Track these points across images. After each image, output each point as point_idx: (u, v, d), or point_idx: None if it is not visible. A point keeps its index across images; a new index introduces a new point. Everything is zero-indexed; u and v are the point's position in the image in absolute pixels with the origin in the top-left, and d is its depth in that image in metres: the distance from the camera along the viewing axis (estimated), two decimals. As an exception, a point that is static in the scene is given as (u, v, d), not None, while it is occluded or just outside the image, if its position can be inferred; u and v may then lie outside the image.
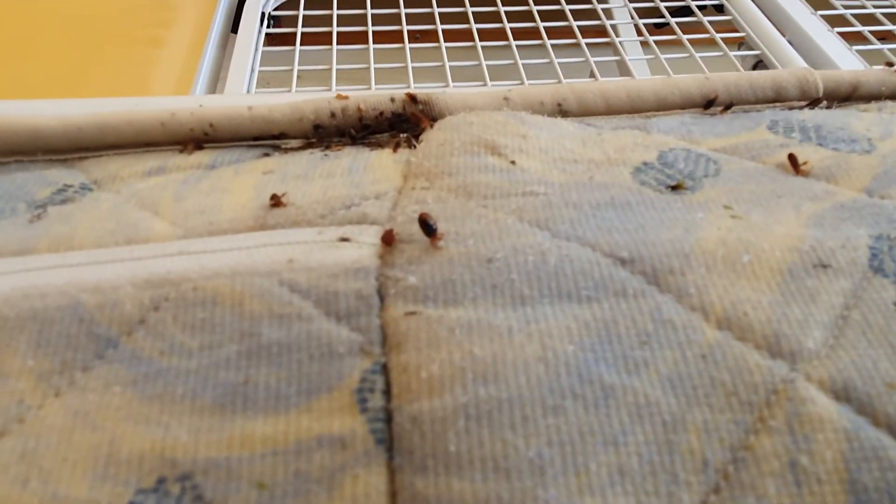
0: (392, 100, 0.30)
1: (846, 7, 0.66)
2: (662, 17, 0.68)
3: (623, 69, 0.63)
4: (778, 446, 0.16)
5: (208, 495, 0.15)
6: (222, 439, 0.16)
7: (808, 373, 0.17)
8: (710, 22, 0.63)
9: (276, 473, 0.16)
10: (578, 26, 0.63)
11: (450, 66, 0.56)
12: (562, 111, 0.31)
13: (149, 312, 0.19)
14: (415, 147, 0.28)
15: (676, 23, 0.64)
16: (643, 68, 0.70)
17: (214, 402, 0.17)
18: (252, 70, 0.65)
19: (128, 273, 0.20)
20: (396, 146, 0.28)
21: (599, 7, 0.68)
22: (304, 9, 0.67)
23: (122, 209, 0.24)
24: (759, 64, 0.64)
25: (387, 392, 0.17)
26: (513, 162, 0.25)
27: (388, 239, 0.20)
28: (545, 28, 0.62)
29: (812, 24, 0.62)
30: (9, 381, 0.18)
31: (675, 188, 0.23)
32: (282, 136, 0.30)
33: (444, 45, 0.59)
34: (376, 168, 0.26)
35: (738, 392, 0.16)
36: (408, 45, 0.58)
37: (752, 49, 0.62)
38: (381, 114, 0.30)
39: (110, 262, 0.20)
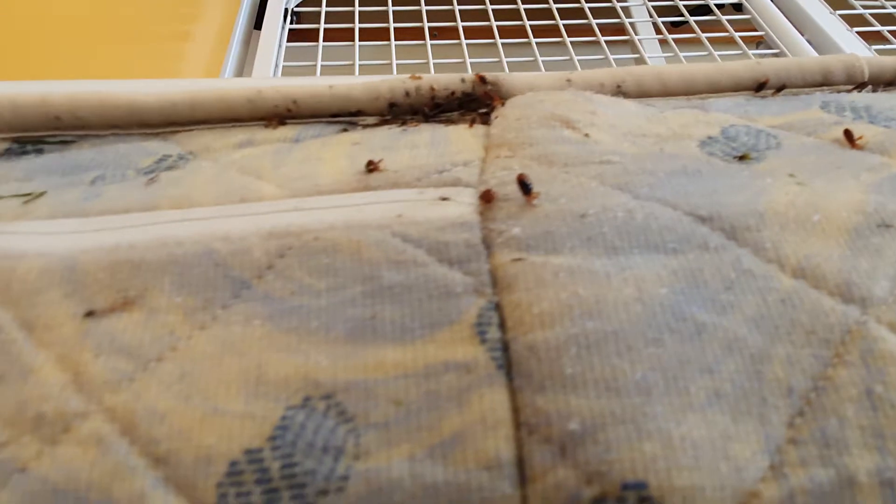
0: (462, 80, 0.32)
1: (865, 7, 0.67)
2: (679, 15, 0.70)
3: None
4: (854, 377, 0.18)
5: (351, 410, 0.17)
6: (357, 364, 0.18)
7: (878, 316, 0.19)
8: (727, 21, 0.64)
9: (410, 393, 0.18)
10: (596, 24, 0.65)
11: (470, 63, 0.57)
12: (620, 92, 0.33)
13: (275, 259, 0.21)
14: (488, 123, 0.30)
15: (694, 21, 0.65)
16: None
17: (346, 334, 0.19)
18: (276, 65, 0.67)
19: (252, 226, 0.22)
20: (472, 122, 0.30)
21: (619, 6, 0.70)
22: (326, 5, 0.69)
23: (225, 174, 0.27)
24: None
25: (501, 326, 0.19)
26: (586, 135, 0.26)
27: (488, 197, 0.22)
28: (564, 26, 0.64)
29: (831, 24, 0.63)
30: (159, 316, 0.20)
31: (741, 158, 0.25)
32: (359, 113, 0.32)
33: (464, 41, 0.61)
34: (456, 140, 0.28)
35: (816, 331, 0.18)
36: (429, 42, 0.60)
37: (769, 48, 0.63)
38: (453, 93, 0.32)
39: (232, 217, 0.23)
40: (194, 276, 0.20)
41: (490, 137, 0.27)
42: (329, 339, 0.19)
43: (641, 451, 0.16)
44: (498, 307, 0.19)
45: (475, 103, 0.32)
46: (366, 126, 0.32)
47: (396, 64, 0.59)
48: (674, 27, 0.76)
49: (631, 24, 0.71)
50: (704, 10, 0.71)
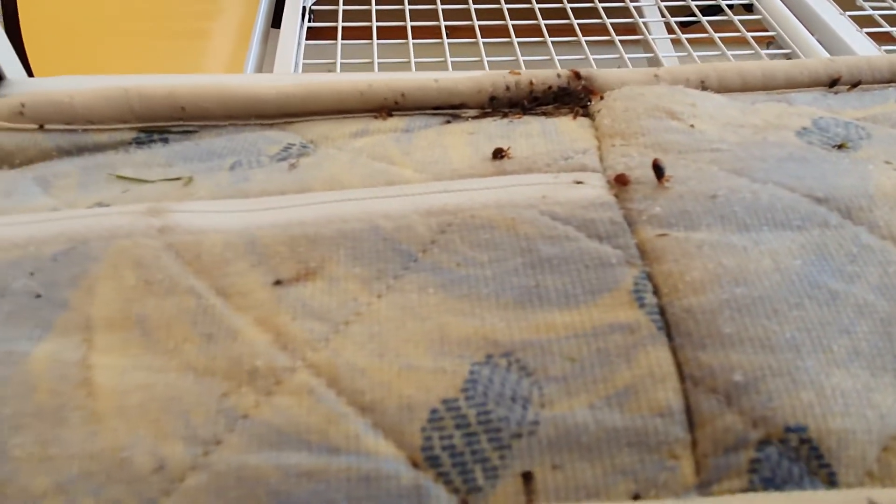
0: (558, 75, 0.34)
1: (874, 8, 0.68)
2: (690, 15, 0.71)
3: (655, 66, 0.66)
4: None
5: (531, 366, 0.20)
6: (530, 326, 0.20)
7: None
8: (738, 21, 0.65)
9: (582, 350, 0.20)
10: (590, 25, 0.66)
11: (487, 62, 0.58)
12: (704, 87, 0.35)
13: (437, 235, 0.23)
14: (588, 115, 0.32)
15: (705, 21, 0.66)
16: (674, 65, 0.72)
17: (514, 300, 0.21)
18: (297, 63, 0.69)
19: (409, 205, 0.24)
20: (575, 114, 0.32)
21: (632, 5, 0.71)
22: (343, 3, 0.70)
23: (358, 160, 0.29)
24: None
25: (655, 292, 0.21)
26: (691, 125, 0.29)
27: (623, 180, 0.24)
28: (578, 25, 0.65)
29: (841, 25, 0.63)
30: (340, 284, 0.22)
31: (839, 147, 0.27)
32: (461, 105, 0.34)
33: (480, 40, 0.62)
34: (566, 131, 0.30)
35: (935, 298, 0.21)
36: (446, 41, 0.61)
37: (780, 48, 0.64)
38: (549, 87, 0.34)
39: (387, 198, 0.25)
40: (365, 249, 0.23)
41: (601, 128, 0.29)
42: (500, 305, 0.21)
43: (799, 399, 0.18)
44: (649, 276, 0.21)
45: (568, 97, 0.35)
46: (468, 118, 0.34)
47: (415, 62, 0.60)
48: (684, 27, 0.77)
49: (644, 23, 0.72)
50: (714, 10, 0.72)
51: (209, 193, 0.26)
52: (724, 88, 0.35)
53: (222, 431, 0.19)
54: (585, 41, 0.62)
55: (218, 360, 0.20)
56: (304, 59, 0.70)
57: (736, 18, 0.65)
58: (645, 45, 0.68)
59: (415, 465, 0.18)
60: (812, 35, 0.64)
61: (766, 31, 0.67)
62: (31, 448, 0.18)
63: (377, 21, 0.66)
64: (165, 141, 0.33)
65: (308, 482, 0.18)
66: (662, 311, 0.20)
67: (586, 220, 0.23)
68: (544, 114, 0.34)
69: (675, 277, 0.21)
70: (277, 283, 0.22)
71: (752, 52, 0.61)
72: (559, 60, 0.60)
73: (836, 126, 0.29)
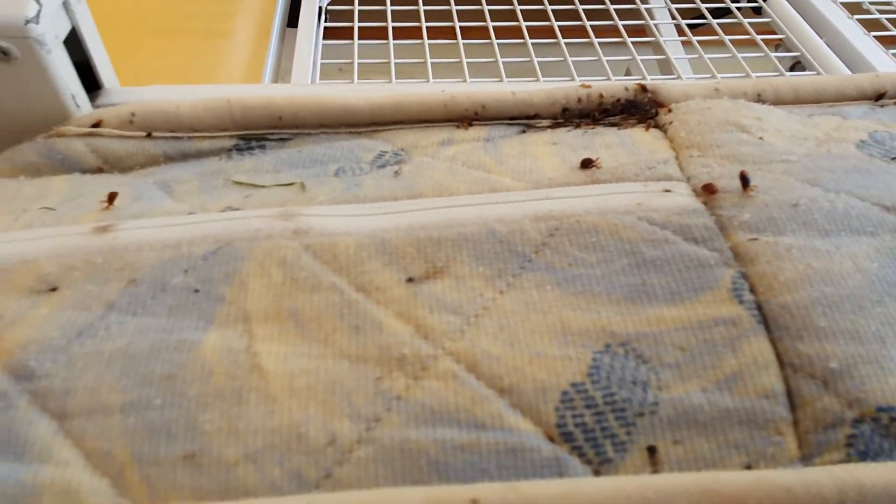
0: (626, 89, 0.37)
1: (881, 11, 0.70)
2: (698, 17, 0.72)
3: (665, 68, 0.67)
4: None
5: (646, 354, 0.22)
6: (642, 319, 0.23)
7: None
8: (746, 24, 0.67)
9: (690, 341, 0.22)
10: (601, 27, 0.67)
11: (503, 63, 0.60)
12: (760, 101, 0.38)
13: (547, 238, 0.26)
14: (658, 127, 0.35)
15: (708, 25, 0.68)
16: (685, 67, 0.73)
17: (625, 296, 0.24)
18: (315, 63, 0.70)
19: (518, 211, 0.27)
20: (647, 126, 0.35)
21: (643, 7, 0.73)
22: (359, 4, 0.72)
23: (457, 168, 0.31)
24: (797, 65, 0.67)
25: (752, 290, 0.23)
26: (760, 138, 0.31)
27: (712, 189, 0.27)
28: (591, 27, 0.67)
29: (849, 28, 0.65)
30: (466, 282, 0.25)
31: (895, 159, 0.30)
32: (535, 116, 0.37)
33: (495, 41, 0.64)
34: (642, 142, 0.33)
35: None
36: (461, 42, 0.63)
37: (788, 51, 0.65)
38: (618, 100, 0.37)
39: (496, 204, 0.27)
40: (485, 250, 0.25)
41: (676, 139, 0.32)
42: (612, 300, 0.24)
43: (888, 383, 0.21)
44: (745, 276, 0.24)
45: (635, 108, 0.37)
46: (539, 128, 0.37)
47: (430, 63, 0.61)
48: (691, 29, 0.79)
49: (655, 25, 0.74)
50: (722, 12, 0.74)
51: (328, 198, 0.29)
52: (779, 101, 0.38)
53: (381, 410, 0.21)
54: (598, 42, 0.64)
55: (368, 348, 0.23)
56: (321, 58, 0.71)
57: (746, 21, 0.66)
58: (655, 47, 0.70)
59: (551, 439, 0.21)
60: (820, 38, 0.66)
61: (774, 33, 0.68)
62: (219, 423, 0.21)
63: (393, 21, 0.68)
64: (263, 148, 0.36)
65: (463, 454, 0.20)
66: (760, 307, 0.23)
67: (682, 225, 0.25)
68: (614, 125, 0.37)
69: (770, 277, 0.23)
70: (410, 280, 0.25)
71: (762, 54, 0.63)
72: (573, 62, 0.61)
73: (891, 139, 0.32)
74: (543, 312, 0.24)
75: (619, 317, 0.23)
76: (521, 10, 0.69)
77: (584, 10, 0.70)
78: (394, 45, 0.64)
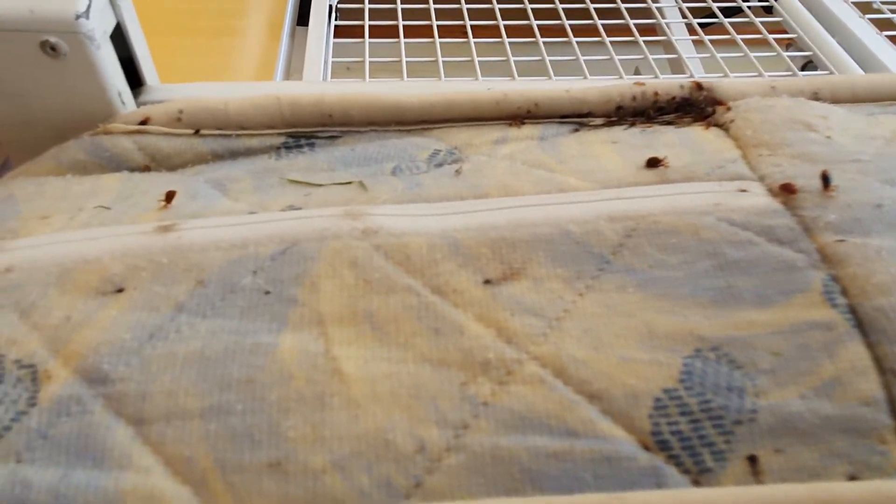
0: (681, 87, 0.36)
1: (893, 11, 0.69)
2: (708, 16, 0.71)
3: (676, 67, 0.66)
4: None
5: (739, 359, 0.22)
6: (731, 323, 0.22)
7: None
8: (755, 23, 0.66)
9: (783, 345, 0.22)
10: (613, 26, 0.67)
11: (514, 61, 0.59)
12: (817, 98, 0.37)
13: (624, 238, 0.25)
14: (718, 125, 0.34)
15: (718, 24, 0.67)
16: (697, 67, 0.70)
17: (710, 299, 0.23)
18: (326, 62, 0.70)
19: (591, 211, 0.26)
20: (707, 125, 0.34)
21: (654, 6, 0.72)
22: (369, 2, 0.71)
23: (517, 168, 0.31)
24: (808, 65, 0.67)
25: (844, 293, 0.23)
26: (828, 136, 0.31)
27: (791, 189, 0.26)
28: (602, 26, 0.66)
29: (861, 27, 0.64)
30: (544, 284, 0.24)
31: (972, 159, 0.29)
32: (588, 114, 0.36)
33: (506, 40, 0.63)
34: (703, 141, 0.32)
35: None
36: (472, 40, 0.63)
37: (799, 50, 0.64)
38: (673, 98, 0.36)
39: (565, 204, 0.27)
40: (561, 252, 0.25)
41: (742, 138, 0.31)
42: (697, 303, 0.23)
43: None
44: (835, 279, 0.23)
45: (690, 107, 0.37)
46: (592, 126, 0.36)
47: (442, 61, 0.61)
48: (702, 28, 0.78)
49: (666, 24, 0.73)
50: (732, 11, 0.73)
51: (391, 197, 0.28)
52: (835, 100, 0.37)
53: (468, 416, 0.21)
54: (610, 42, 0.63)
55: (451, 352, 0.22)
56: (332, 57, 0.70)
57: (757, 20, 0.65)
58: (666, 46, 0.69)
59: (646, 448, 0.20)
60: (832, 37, 0.65)
61: (785, 32, 0.67)
62: (303, 429, 0.20)
63: (403, 20, 0.67)
64: (312, 146, 0.35)
65: (557, 462, 0.20)
66: (853, 311, 0.22)
67: (764, 226, 0.25)
68: (668, 123, 0.36)
69: (862, 280, 0.23)
70: (487, 282, 0.24)
71: (773, 54, 0.62)
72: (585, 60, 0.61)
73: (960, 138, 0.31)
74: (627, 315, 0.23)
75: (707, 321, 0.22)
76: (532, 9, 0.68)
77: (594, 8, 0.70)
78: (403, 43, 0.63)
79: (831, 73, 0.58)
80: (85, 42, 0.33)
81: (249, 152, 0.35)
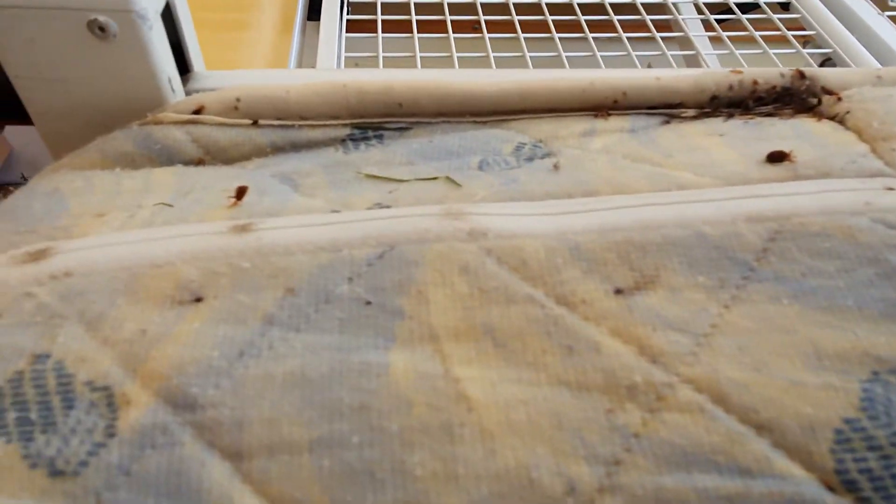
0: (782, 75, 0.33)
1: None
2: (724, 12, 0.69)
3: (693, 64, 0.64)
4: None
5: (926, 384, 0.19)
6: (910, 341, 0.19)
7: None
8: (768, 20, 0.64)
9: (976, 368, 0.19)
10: (629, 21, 0.64)
11: (530, 57, 0.57)
12: (925, 90, 0.34)
13: (768, 242, 0.22)
14: (831, 117, 0.31)
15: (732, 20, 0.65)
16: (714, 63, 0.69)
17: (881, 313, 0.20)
18: (339, 56, 0.67)
19: (725, 211, 0.23)
20: (818, 116, 0.31)
21: (670, 2, 0.70)
22: None
23: (618, 162, 0.28)
24: (827, 62, 0.64)
25: None
26: (962, 129, 0.28)
27: (950, 187, 0.23)
28: (619, 21, 0.64)
29: (879, 24, 0.62)
30: (683, 293, 0.21)
31: None
32: (680, 105, 0.33)
33: (521, 35, 0.61)
34: (822, 134, 0.29)
35: None
36: (486, 35, 0.60)
37: (818, 47, 0.62)
38: (774, 87, 0.33)
39: (692, 202, 0.24)
40: (698, 257, 0.22)
41: (867, 130, 0.28)
42: (866, 317, 0.20)
43: None
44: None
45: (790, 97, 0.34)
46: (683, 118, 0.33)
47: (457, 57, 0.58)
48: (717, 24, 0.75)
49: (678, 20, 0.71)
50: (747, 7, 0.71)
51: (488, 194, 0.25)
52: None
53: (619, 451, 0.18)
54: (627, 38, 0.60)
55: (589, 374, 0.19)
56: (345, 52, 0.68)
57: (776, 17, 0.63)
58: (681, 42, 0.67)
59: (831, 489, 0.17)
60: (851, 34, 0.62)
61: (801, 29, 0.65)
62: (433, 466, 0.17)
63: (417, 14, 0.65)
64: (380, 138, 0.32)
65: (732, 507, 0.17)
66: None
67: (927, 229, 0.22)
68: (769, 115, 0.33)
69: None
70: (618, 291, 0.21)
71: (791, 51, 0.60)
72: (602, 57, 0.58)
73: None
74: (787, 331, 0.20)
75: (882, 338, 0.19)
76: (547, 4, 0.66)
77: (610, 3, 0.67)
78: (418, 38, 0.61)
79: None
80: (137, 22, 0.30)
81: (312, 144, 0.32)
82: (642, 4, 0.67)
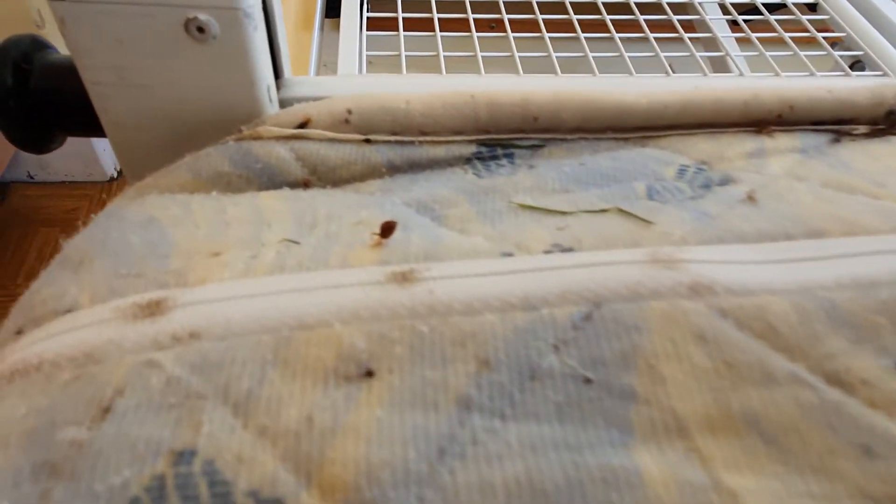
0: (970, 87, 0.29)
1: None
2: (745, 12, 0.66)
3: (719, 66, 0.61)
4: None
5: None
6: None
7: None
8: (791, 21, 0.60)
9: None
10: (653, 21, 0.61)
11: (556, 57, 0.53)
12: None
13: None
14: None
15: (755, 21, 0.61)
16: (742, 65, 0.66)
17: None
18: (361, 55, 0.64)
19: None
20: None
21: (697, 2, 0.66)
22: None
23: (821, 192, 0.23)
24: (856, 65, 0.61)
25: None
26: None
27: None
28: (645, 21, 0.60)
29: None
30: None
31: None
32: (851, 120, 0.29)
33: (546, 35, 0.57)
34: None
35: None
36: (511, 35, 0.56)
37: (848, 49, 0.59)
38: (960, 101, 0.29)
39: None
40: None
41: None
42: None
43: None
44: None
45: (977, 112, 0.29)
46: (856, 136, 0.29)
47: (481, 56, 0.55)
48: (734, 26, 0.73)
49: (702, 21, 0.68)
50: (772, 8, 0.67)
51: (687, 233, 0.21)
52: None
53: None
54: (654, 38, 0.57)
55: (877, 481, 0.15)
56: (366, 50, 0.65)
57: (804, 18, 0.60)
58: (706, 43, 0.64)
59: None
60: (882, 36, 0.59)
61: (828, 30, 0.62)
62: None
63: (437, 13, 0.61)
64: (510, 157, 0.28)
65: None
66: None
67: None
68: (952, 132, 0.28)
69: None
70: (903, 368, 0.17)
71: (824, 53, 0.56)
72: (630, 58, 0.54)
73: None
74: None
75: None
76: (571, 3, 0.63)
77: (636, 2, 0.64)
78: (429, 37, 0.57)
79: (884, 74, 0.53)
80: (243, 21, 0.25)
81: (434, 164, 0.28)
82: (668, 4, 0.63)
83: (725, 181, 0.25)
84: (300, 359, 0.17)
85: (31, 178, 1.11)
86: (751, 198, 0.23)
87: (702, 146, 0.28)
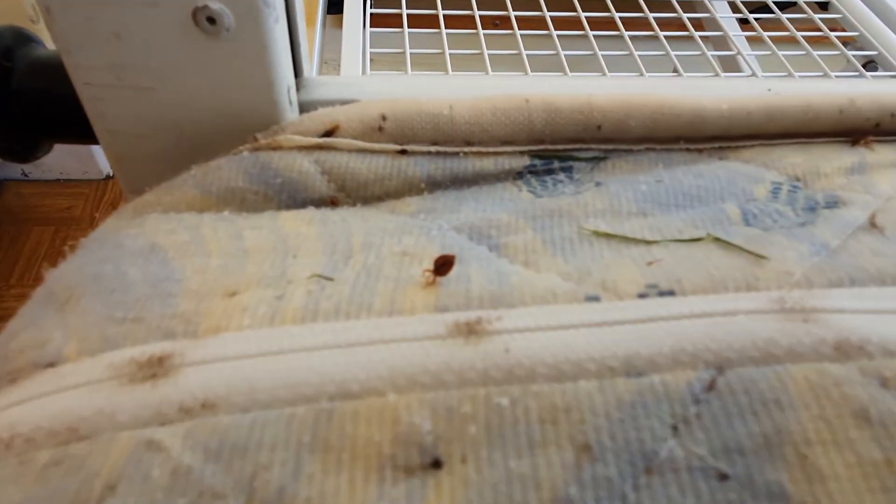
0: None
1: None
2: (755, 10, 0.63)
3: (728, 65, 0.58)
4: None
5: None
6: None
7: None
8: (801, 20, 0.57)
9: None
10: (662, 19, 0.58)
11: (564, 55, 0.50)
12: None
13: None
14: None
15: (764, 20, 0.58)
16: (753, 64, 0.64)
17: None
18: (364, 52, 0.61)
19: None
20: None
21: (707, 1, 0.64)
22: None
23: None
24: (869, 64, 0.59)
25: None
26: None
27: None
28: (655, 19, 0.57)
29: None
30: None
31: None
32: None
33: (554, 33, 0.55)
34: None
35: None
36: (518, 32, 0.54)
37: (860, 48, 0.56)
38: None
39: None
40: None
41: None
42: None
43: None
44: None
45: None
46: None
47: (488, 54, 0.52)
48: (743, 25, 0.70)
49: (711, 20, 0.65)
50: (782, 6, 0.64)
51: (809, 271, 0.17)
52: None
53: None
54: (664, 36, 0.54)
55: None
56: (370, 47, 0.62)
57: (817, 17, 0.57)
58: (716, 42, 0.61)
59: None
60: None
61: (840, 30, 0.59)
62: None
63: (442, 9, 0.58)
64: (569, 171, 0.24)
65: None
66: None
67: None
68: None
69: None
70: None
71: (837, 52, 0.53)
72: (640, 56, 0.51)
73: None
74: None
75: None
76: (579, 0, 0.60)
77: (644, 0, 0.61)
78: (431, 35, 0.54)
79: (899, 74, 0.50)
80: (262, 11, 0.21)
81: (480, 178, 0.24)
82: (677, 1, 0.61)
83: (833, 203, 0.21)
84: (347, 442, 0.13)
85: (26, 175, 1.07)
86: (874, 224, 0.19)
87: (791, 159, 0.24)
